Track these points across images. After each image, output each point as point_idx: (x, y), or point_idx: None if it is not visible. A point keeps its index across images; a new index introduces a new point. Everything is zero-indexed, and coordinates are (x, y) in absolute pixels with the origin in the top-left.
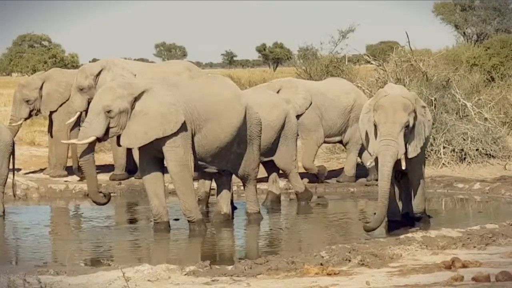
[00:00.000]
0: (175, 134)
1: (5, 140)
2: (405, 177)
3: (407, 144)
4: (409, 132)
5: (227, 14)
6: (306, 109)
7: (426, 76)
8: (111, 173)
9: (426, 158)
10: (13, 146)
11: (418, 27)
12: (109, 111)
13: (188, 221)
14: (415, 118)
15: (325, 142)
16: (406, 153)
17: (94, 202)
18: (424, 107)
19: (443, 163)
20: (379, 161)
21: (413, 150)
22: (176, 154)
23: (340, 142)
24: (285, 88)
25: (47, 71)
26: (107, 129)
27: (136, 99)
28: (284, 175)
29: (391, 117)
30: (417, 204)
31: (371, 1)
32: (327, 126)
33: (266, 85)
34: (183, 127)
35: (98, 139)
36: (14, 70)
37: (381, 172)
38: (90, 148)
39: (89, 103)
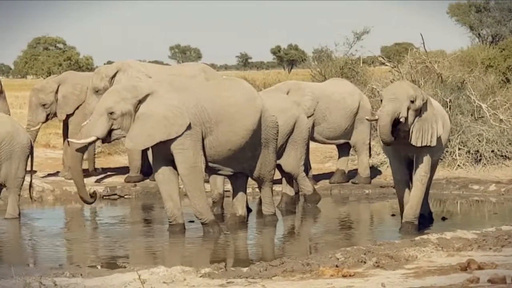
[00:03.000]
0: (183, 136)
1: (22, 142)
2: None
3: (411, 128)
4: (415, 115)
5: (242, 16)
6: (314, 110)
7: (441, 77)
8: (126, 175)
9: (441, 159)
10: (31, 149)
11: (433, 28)
12: (111, 113)
13: (201, 223)
14: (422, 109)
15: (330, 144)
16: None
17: (82, 199)
18: (436, 115)
19: (458, 165)
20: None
21: (415, 138)
22: (185, 156)
23: (348, 144)
24: (293, 90)
25: (61, 73)
26: (110, 130)
27: (140, 101)
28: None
29: (394, 88)
30: (409, 208)
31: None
32: (331, 128)
33: (273, 89)
34: (192, 129)
35: (102, 141)
36: (29, 73)
37: (380, 113)
38: (86, 147)
39: None
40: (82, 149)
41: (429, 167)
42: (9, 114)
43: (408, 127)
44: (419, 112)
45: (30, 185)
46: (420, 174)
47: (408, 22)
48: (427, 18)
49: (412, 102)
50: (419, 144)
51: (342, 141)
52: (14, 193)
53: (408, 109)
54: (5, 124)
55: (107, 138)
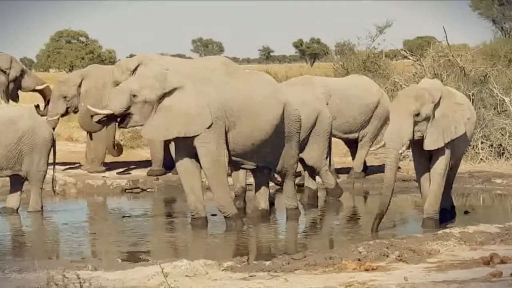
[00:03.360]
0: (207, 130)
1: (43, 136)
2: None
3: (425, 135)
4: (426, 123)
5: (264, 10)
6: (326, 104)
7: (464, 71)
8: (148, 168)
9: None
10: (54, 143)
11: (456, 22)
12: (134, 96)
13: (224, 216)
14: (435, 110)
15: (342, 138)
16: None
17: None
18: (459, 104)
19: (481, 158)
20: (385, 151)
21: (431, 143)
22: (208, 150)
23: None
24: (303, 84)
25: (84, 67)
26: (128, 115)
27: (166, 94)
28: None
29: (399, 105)
30: (428, 204)
31: None
32: (346, 122)
33: (284, 84)
34: (216, 123)
35: (115, 118)
36: (52, 66)
37: (386, 163)
38: (104, 122)
39: None
40: (100, 122)
41: (449, 160)
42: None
43: (422, 134)
44: (431, 115)
45: (53, 179)
46: (439, 167)
47: (431, 15)
48: (450, 12)
49: (417, 115)
50: (433, 148)
51: (356, 136)
52: (36, 186)
53: (416, 123)
54: (26, 118)
55: (122, 121)
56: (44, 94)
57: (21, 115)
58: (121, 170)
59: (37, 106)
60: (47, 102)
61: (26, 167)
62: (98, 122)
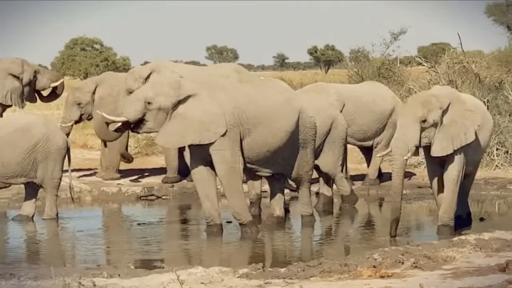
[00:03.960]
0: (222, 137)
1: (57, 144)
2: (463, 178)
3: (432, 141)
4: (434, 129)
5: (278, 16)
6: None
7: (479, 77)
8: (163, 175)
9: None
10: (68, 150)
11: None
12: (149, 103)
13: (239, 223)
14: (443, 116)
15: (356, 145)
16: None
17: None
18: (469, 110)
19: (496, 165)
20: (391, 157)
21: (440, 150)
22: (223, 157)
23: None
24: (316, 92)
25: (99, 74)
26: (142, 121)
27: (180, 101)
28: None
29: (406, 111)
30: (443, 211)
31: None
32: (361, 130)
33: (298, 92)
34: (231, 130)
35: (129, 126)
36: (66, 74)
37: (392, 169)
38: (121, 130)
39: None
40: (117, 130)
41: (461, 167)
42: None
43: (430, 140)
44: (439, 122)
45: (70, 186)
46: (452, 174)
47: (445, 22)
48: (464, 18)
49: (424, 121)
50: (441, 154)
51: (370, 143)
52: (51, 193)
53: (422, 129)
54: (40, 125)
55: (136, 127)
56: (58, 90)
57: (35, 123)
58: (136, 177)
59: None
60: (53, 94)
61: (40, 175)
62: (114, 130)
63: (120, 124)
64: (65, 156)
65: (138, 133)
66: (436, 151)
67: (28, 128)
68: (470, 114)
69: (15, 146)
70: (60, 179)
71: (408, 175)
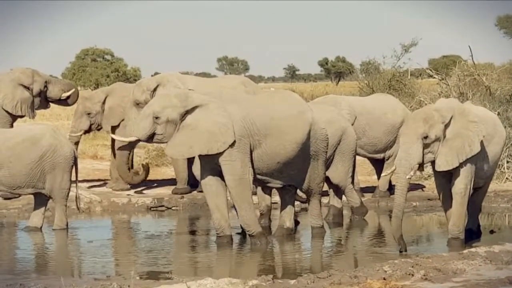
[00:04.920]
0: (231, 148)
1: (65, 154)
2: (474, 191)
3: (436, 156)
4: (438, 143)
5: (289, 28)
6: (352, 125)
7: (489, 90)
8: (173, 186)
9: None
10: (75, 160)
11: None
12: (157, 118)
13: (249, 234)
14: (446, 130)
15: (367, 158)
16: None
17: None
18: (472, 122)
19: (506, 178)
20: (395, 176)
21: (445, 164)
22: (233, 168)
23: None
24: (328, 104)
25: (110, 85)
26: (153, 134)
27: (188, 112)
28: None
29: (407, 129)
30: (452, 224)
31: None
32: (371, 143)
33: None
34: (241, 141)
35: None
36: (77, 84)
37: (395, 188)
38: (132, 146)
39: None
40: (126, 147)
41: (469, 180)
42: None
43: (433, 156)
44: (442, 136)
45: (77, 196)
46: (459, 187)
47: (456, 34)
48: (475, 31)
49: (426, 137)
50: (446, 168)
51: (382, 155)
52: (60, 204)
53: (426, 145)
54: (48, 136)
55: (148, 140)
56: (71, 99)
57: (43, 133)
58: (146, 188)
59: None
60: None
61: (49, 185)
62: (126, 146)
63: (132, 139)
64: (72, 166)
65: (149, 142)
66: (440, 166)
67: (36, 138)
68: (474, 126)
69: (23, 157)
70: (69, 189)
71: (418, 187)
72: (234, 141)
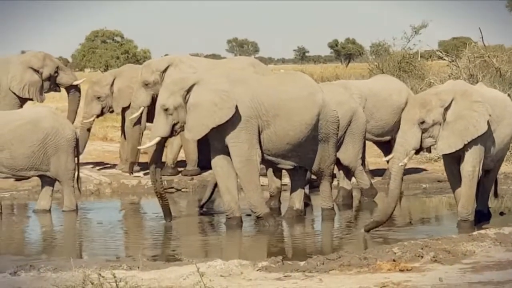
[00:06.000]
0: (239, 129)
1: (67, 136)
2: (485, 174)
3: (437, 140)
4: (438, 127)
5: (299, 10)
6: (363, 109)
7: (500, 72)
8: (183, 168)
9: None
10: (77, 142)
11: (492, 22)
12: (166, 109)
13: (256, 216)
14: (446, 113)
15: (375, 141)
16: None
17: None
18: (477, 102)
19: None
20: (390, 163)
21: (446, 147)
22: (240, 149)
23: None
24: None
25: (119, 67)
26: (173, 126)
27: (188, 92)
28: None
29: (405, 114)
30: (461, 206)
31: None
32: (379, 126)
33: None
34: (248, 122)
35: (168, 136)
36: (87, 66)
37: (391, 174)
38: (159, 148)
39: (153, 98)
40: (136, 129)
41: (477, 162)
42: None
43: (434, 140)
44: (441, 120)
45: (78, 178)
46: (467, 169)
47: (467, 16)
48: (486, 12)
49: (423, 122)
50: (448, 151)
51: (388, 138)
52: (68, 185)
53: (424, 130)
54: (49, 118)
55: (171, 134)
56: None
57: (44, 116)
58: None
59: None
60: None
61: (54, 168)
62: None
63: (157, 140)
64: (75, 148)
65: (175, 135)
66: (442, 149)
67: (38, 121)
68: (478, 105)
69: (24, 139)
70: (74, 169)
71: (427, 168)
72: (241, 120)
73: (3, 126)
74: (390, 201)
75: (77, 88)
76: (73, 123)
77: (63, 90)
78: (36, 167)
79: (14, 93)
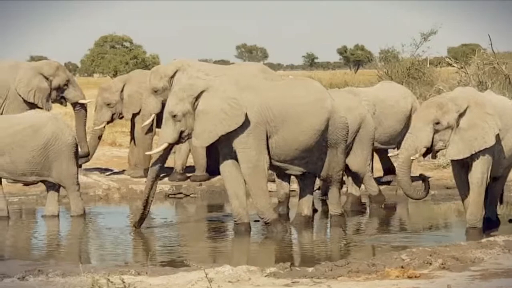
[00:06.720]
0: (246, 134)
1: (67, 141)
2: (493, 181)
3: (447, 144)
4: (450, 131)
5: (308, 16)
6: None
7: (509, 79)
8: (191, 174)
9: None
10: (77, 147)
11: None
12: (174, 116)
13: (264, 222)
14: (460, 120)
15: (383, 149)
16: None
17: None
18: (489, 114)
19: None
20: (398, 154)
21: (456, 153)
22: (248, 155)
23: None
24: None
25: (128, 72)
26: (181, 133)
27: (197, 99)
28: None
29: (420, 112)
30: (470, 213)
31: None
32: (387, 133)
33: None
34: (256, 128)
35: (175, 143)
36: (96, 71)
37: (397, 165)
38: (165, 153)
39: (163, 105)
40: (147, 135)
41: (486, 169)
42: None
43: (444, 144)
44: (455, 125)
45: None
46: (475, 176)
47: (476, 23)
48: (495, 19)
49: (437, 123)
50: (456, 157)
51: (393, 146)
52: (73, 190)
53: (436, 131)
54: (50, 124)
55: (179, 140)
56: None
57: (45, 121)
58: (164, 175)
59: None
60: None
61: (56, 174)
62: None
63: (164, 146)
64: (76, 153)
65: (182, 143)
66: (451, 155)
67: (38, 126)
68: (490, 118)
69: (25, 144)
70: (77, 173)
71: (435, 175)
72: (250, 126)
73: (3, 130)
74: (405, 189)
75: (83, 106)
76: (83, 140)
77: None
78: (37, 172)
79: (21, 96)
